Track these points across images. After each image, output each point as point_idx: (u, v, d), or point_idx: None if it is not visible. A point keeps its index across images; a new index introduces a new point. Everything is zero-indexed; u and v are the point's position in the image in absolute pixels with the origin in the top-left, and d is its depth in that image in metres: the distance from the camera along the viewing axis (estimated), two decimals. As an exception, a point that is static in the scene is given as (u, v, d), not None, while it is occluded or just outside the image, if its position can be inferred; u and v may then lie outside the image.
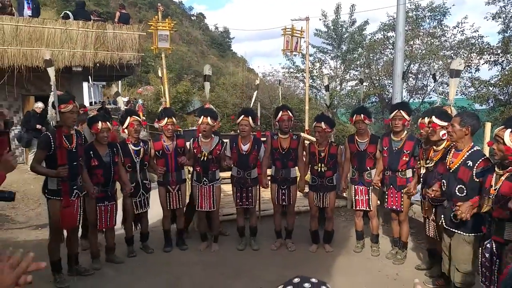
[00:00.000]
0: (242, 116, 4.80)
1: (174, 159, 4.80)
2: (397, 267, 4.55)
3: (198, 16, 65.34)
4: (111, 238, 4.63)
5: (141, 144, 4.73)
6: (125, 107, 5.76)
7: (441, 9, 17.36)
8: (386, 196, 4.64)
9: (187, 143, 4.99)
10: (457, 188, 3.24)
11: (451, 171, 3.34)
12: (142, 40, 10.73)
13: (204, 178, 4.83)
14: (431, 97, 18.73)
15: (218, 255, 4.93)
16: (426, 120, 4.08)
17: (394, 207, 4.57)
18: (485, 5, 15.98)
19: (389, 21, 17.68)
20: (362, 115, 4.61)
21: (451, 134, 3.35)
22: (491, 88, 16.24)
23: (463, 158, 3.27)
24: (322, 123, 4.65)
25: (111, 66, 9.90)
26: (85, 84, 12.93)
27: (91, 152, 4.28)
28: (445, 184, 3.43)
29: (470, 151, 3.27)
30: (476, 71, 16.78)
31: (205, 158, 4.79)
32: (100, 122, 4.24)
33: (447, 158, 3.47)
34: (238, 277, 4.37)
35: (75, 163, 3.92)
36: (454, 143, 3.39)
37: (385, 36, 18.12)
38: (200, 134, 4.89)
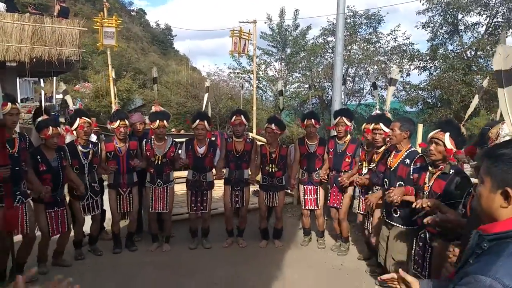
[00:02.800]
0: (198, 120, 4.87)
1: (126, 161, 4.75)
2: (341, 258, 4.92)
3: (138, 12, 63.37)
4: (64, 242, 4.49)
5: (90, 146, 4.63)
6: (74, 106, 5.54)
7: (377, 17, 18.53)
8: (329, 195, 4.99)
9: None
10: (397, 185, 3.62)
11: (391, 169, 3.73)
12: (85, 37, 10.29)
13: (158, 180, 4.85)
14: (366, 99, 19.95)
15: (170, 255, 4.98)
16: (371, 126, 4.44)
17: (335, 204, 4.94)
18: (416, 15, 17.33)
19: (329, 26, 18.53)
20: (312, 120, 4.92)
21: (392, 137, 3.74)
22: (420, 92, 17.67)
23: (402, 157, 3.68)
24: (273, 125, 4.88)
25: (49, 61, 9.37)
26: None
27: (39, 157, 4.11)
28: (386, 183, 3.81)
29: (408, 151, 3.68)
30: (407, 76, 18.13)
31: (160, 162, 4.80)
32: (50, 127, 4.07)
33: (388, 159, 3.85)
34: (192, 275, 4.46)
35: (17, 168, 3.75)
36: (393, 145, 3.78)
37: (325, 41, 18.96)
38: (153, 136, 4.89)
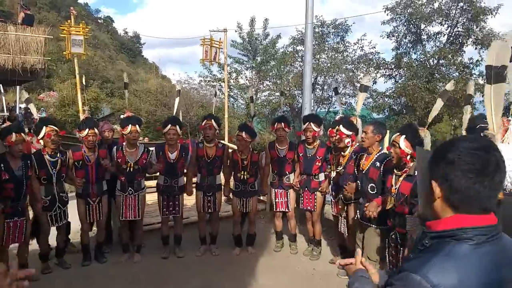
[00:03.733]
0: (170, 125, 4.84)
1: (95, 170, 4.64)
2: (314, 263, 4.98)
3: (106, 19, 62.28)
4: (24, 254, 4.32)
5: (58, 155, 4.50)
6: (39, 115, 5.38)
7: (344, 27, 19.04)
8: (302, 198, 5.06)
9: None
10: (369, 187, 3.75)
11: (363, 172, 3.85)
12: (50, 45, 10.04)
13: (130, 188, 4.77)
14: (335, 107, 20.36)
15: (142, 265, 4.87)
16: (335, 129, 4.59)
17: (308, 207, 5.02)
18: (381, 25, 17.93)
19: (298, 35, 18.87)
20: (282, 124, 4.99)
21: (364, 139, 3.86)
22: (386, 99, 18.24)
23: (373, 160, 3.82)
24: (243, 132, 4.91)
25: (12, 70, 9.09)
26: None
27: (2, 165, 3.97)
28: (359, 184, 3.94)
29: (378, 154, 3.83)
30: (373, 83, 18.65)
31: (131, 169, 4.73)
32: (14, 133, 3.94)
33: (360, 161, 3.98)
34: (164, 286, 4.39)
35: None
36: (363, 147, 3.91)
37: (295, 50, 19.29)
38: (124, 143, 4.81)
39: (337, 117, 5.34)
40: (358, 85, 18.55)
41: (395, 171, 3.35)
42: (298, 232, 5.56)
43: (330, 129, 4.85)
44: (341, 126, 4.31)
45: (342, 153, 4.45)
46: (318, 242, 5.16)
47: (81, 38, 6.12)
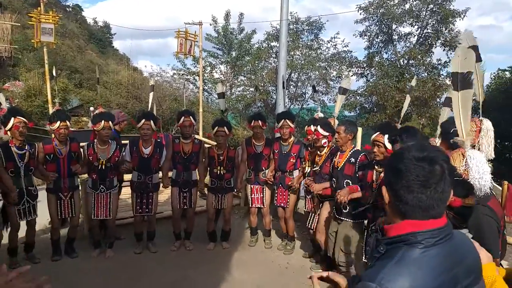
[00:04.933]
0: (144, 120, 4.76)
1: (67, 164, 4.52)
2: (287, 257, 5.06)
3: (74, 7, 60.13)
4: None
5: (26, 147, 4.35)
6: (8, 106, 5.17)
7: (317, 24, 19.22)
8: (276, 194, 5.12)
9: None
10: (344, 183, 3.87)
11: (338, 169, 3.97)
12: (16, 32, 9.62)
13: (101, 186, 4.67)
14: (308, 104, 20.62)
15: (114, 260, 4.80)
16: (312, 127, 4.68)
17: (282, 204, 5.07)
18: (354, 23, 18.23)
19: (273, 31, 18.89)
20: (259, 121, 5.01)
21: (338, 139, 4.01)
22: (358, 98, 18.59)
23: (347, 157, 3.96)
24: (225, 127, 4.91)
25: (-24, 57, 8.68)
26: None
27: (-33, 157, 3.82)
28: (334, 181, 4.05)
29: (351, 151, 3.99)
30: (352, 87, 18.98)
31: (103, 166, 4.62)
32: None
33: (334, 159, 4.10)
34: (137, 280, 4.35)
35: None
36: (337, 147, 4.01)
37: (269, 45, 19.32)
38: (96, 140, 4.69)
39: (315, 115, 5.41)
40: (331, 82, 19.00)
41: (376, 167, 3.48)
42: (272, 227, 5.62)
43: (307, 126, 4.95)
44: (318, 127, 4.40)
45: (319, 152, 4.53)
46: (292, 237, 5.25)
47: (51, 26, 5.90)
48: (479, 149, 2.19)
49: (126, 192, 5.79)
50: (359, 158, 3.88)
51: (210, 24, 19.95)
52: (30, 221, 4.50)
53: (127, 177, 5.46)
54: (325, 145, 4.42)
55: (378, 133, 3.39)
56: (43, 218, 5.06)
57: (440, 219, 1.21)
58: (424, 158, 1.19)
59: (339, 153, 4.11)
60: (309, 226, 4.74)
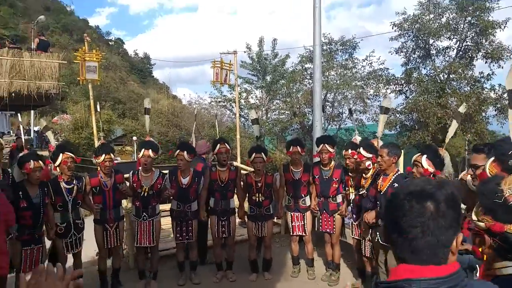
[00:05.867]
0: (178, 150, 4.87)
1: (113, 196, 4.65)
2: (332, 288, 4.87)
3: (116, 41, 63.60)
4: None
5: (74, 182, 4.52)
6: (56, 142, 5.44)
7: (351, 43, 19.09)
8: (320, 221, 4.99)
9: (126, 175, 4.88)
10: None
11: (381, 193, 3.86)
12: (63, 68, 10.24)
13: (144, 213, 4.76)
14: (346, 124, 20.31)
15: (159, 292, 4.83)
16: (349, 151, 4.64)
17: (328, 230, 4.94)
18: (389, 41, 17.96)
19: (306, 53, 18.97)
20: (298, 147, 4.96)
21: (381, 163, 3.90)
22: (398, 115, 18.10)
23: (391, 181, 3.85)
24: (262, 153, 4.90)
25: (27, 95, 9.28)
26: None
27: (20, 193, 4.01)
28: (379, 206, 3.93)
29: (395, 175, 3.87)
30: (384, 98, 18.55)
31: (146, 194, 4.73)
32: (32, 161, 4.00)
33: (377, 182, 3.99)
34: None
35: None
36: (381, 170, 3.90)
37: (303, 67, 19.37)
38: (140, 168, 4.83)
39: (353, 139, 5.31)
40: (368, 101, 18.67)
41: None
42: (316, 256, 5.46)
43: (344, 151, 4.86)
44: (361, 148, 4.31)
45: (364, 175, 4.41)
46: (337, 266, 5.06)
47: (95, 64, 6.22)
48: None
49: (166, 222, 5.86)
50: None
51: (244, 52, 20.33)
52: (76, 253, 4.62)
53: (166, 206, 5.56)
54: (369, 168, 4.30)
55: (419, 154, 3.40)
56: (90, 249, 5.20)
57: (442, 266, 1.07)
58: (413, 193, 1.08)
59: (382, 176, 4.00)
60: (365, 254, 4.55)
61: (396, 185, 3.77)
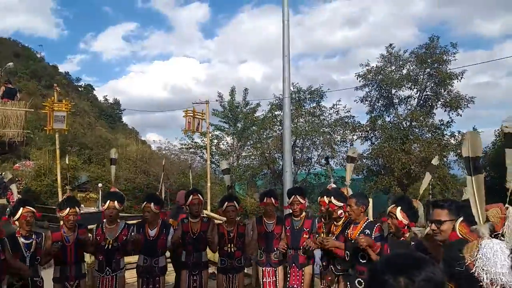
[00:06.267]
0: (145, 202, 4.74)
1: (74, 251, 4.42)
2: None
3: (86, 87, 63.24)
4: None
5: (33, 237, 4.29)
6: (19, 196, 5.20)
7: (319, 92, 19.86)
8: (289, 275, 4.89)
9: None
10: (359, 255, 3.71)
11: (352, 241, 3.87)
12: (29, 114, 10.02)
13: (107, 268, 4.52)
14: (315, 169, 20.65)
15: None
16: (326, 198, 4.65)
17: (295, 285, 4.81)
18: (354, 90, 18.82)
19: (275, 101, 19.53)
20: (272, 198, 4.96)
21: (351, 213, 3.99)
22: (364, 161, 18.62)
23: (361, 228, 3.91)
24: (234, 202, 4.86)
25: (-10, 143, 8.94)
26: None
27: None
28: (348, 255, 3.96)
29: (366, 223, 3.96)
30: (350, 145, 19.13)
31: (110, 246, 4.53)
32: None
33: (347, 231, 4.05)
34: None
35: None
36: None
37: (273, 115, 19.84)
38: (104, 220, 4.66)
39: (329, 186, 5.41)
40: (335, 146, 19.15)
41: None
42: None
43: (320, 197, 4.91)
44: (332, 198, 4.37)
45: (335, 222, 4.47)
46: (308, 321, 4.93)
47: (64, 114, 6.14)
48: (502, 238, 2.08)
49: (131, 276, 5.59)
50: (374, 229, 3.85)
51: (216, 100, 20.70)
52: (34, 315, 4.28)
53: (133, 259, 5.33)
54: (341, 216, 4.36)
55: (393, 205, 3.45)
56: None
57: None
58: (390, 268, 1.08)
59: (352, 225, 4.07)
60: None
61: (367, 231, 3.85)
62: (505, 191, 2.21)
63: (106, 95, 65.50)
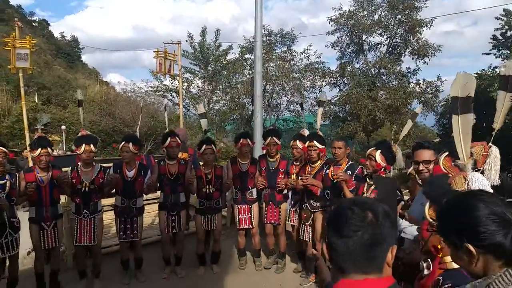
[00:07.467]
0: (123, 142, 4.70)
1: (50, 192, 4.35)
2: (279, 276, 5.05)
3: (41, 22, 58.67)
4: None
5: (6, 177, 4.16)
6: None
7: (290, 36, 19.46)
8: (265, 212, 5.10)
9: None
10: (342, 194, 3.98)
11: (334, 181, 4.11)
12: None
13: (85, 210, 4.51)
14: (284, 114, 20.80)
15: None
16: (298, 142, 4.90)
17: (273, 221, 5.06)
18: (326, 35, 18.58)
19: (246, 43, 19.01)
20: (248, 139, 5.03)
21: (338, 154, 4.26)
22: (332, 107, 18.86)
23: (343, 170, 4.17)
24: (212, 145, 4.90)
25: None
26: None
27: None
28: (329, 194, 4.29)
29: (348, 164, 4.27)
30: (319, 91, 19.23)
31: (87, 189, 4.49)
32: None
33: (326, 171, 4.36)
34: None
35: None
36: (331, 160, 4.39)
37: (244, 58, 19.39)
38: (80, 163, 4.56)
39: (301, 131, 5.53)
40: (305, 92, 19.22)
41: (368, 180, 3.69)
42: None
43: (292, 141, 5.07)
44: (314, 141, 4.52)
45: (311, 164, 4.64)
46: (283, 254, 5.24)
47: (27, 51, 5.71)
48: (483, 174, 2.24)
49: (109, 218, 5.63)
50: (356, 171, 4.16)
51: (186, 41, 19.79)
52: (13, 255, 4.26)
53: (110, 201, 5.33)
54: (322, 158, 4.61)
55: (373, 148, 3.65)
56: (21, 248, 4.83)
57: (379, 280, 1.11)
58: (357, 203, 1.16)
59: (333, 166, 4.32)
60: (302, 238, 4.75)
61: (349, 172, 4.15)
62: (482, 131, 2.32)
63: (63, 32, 61.31)
